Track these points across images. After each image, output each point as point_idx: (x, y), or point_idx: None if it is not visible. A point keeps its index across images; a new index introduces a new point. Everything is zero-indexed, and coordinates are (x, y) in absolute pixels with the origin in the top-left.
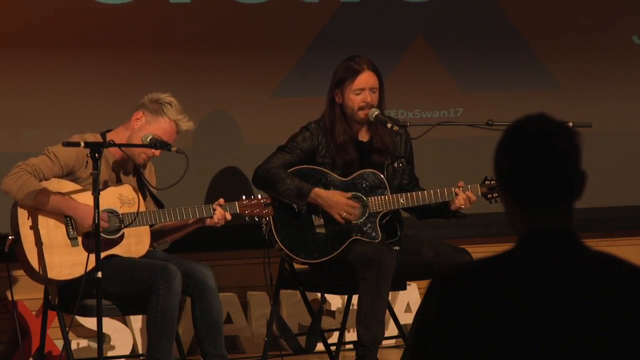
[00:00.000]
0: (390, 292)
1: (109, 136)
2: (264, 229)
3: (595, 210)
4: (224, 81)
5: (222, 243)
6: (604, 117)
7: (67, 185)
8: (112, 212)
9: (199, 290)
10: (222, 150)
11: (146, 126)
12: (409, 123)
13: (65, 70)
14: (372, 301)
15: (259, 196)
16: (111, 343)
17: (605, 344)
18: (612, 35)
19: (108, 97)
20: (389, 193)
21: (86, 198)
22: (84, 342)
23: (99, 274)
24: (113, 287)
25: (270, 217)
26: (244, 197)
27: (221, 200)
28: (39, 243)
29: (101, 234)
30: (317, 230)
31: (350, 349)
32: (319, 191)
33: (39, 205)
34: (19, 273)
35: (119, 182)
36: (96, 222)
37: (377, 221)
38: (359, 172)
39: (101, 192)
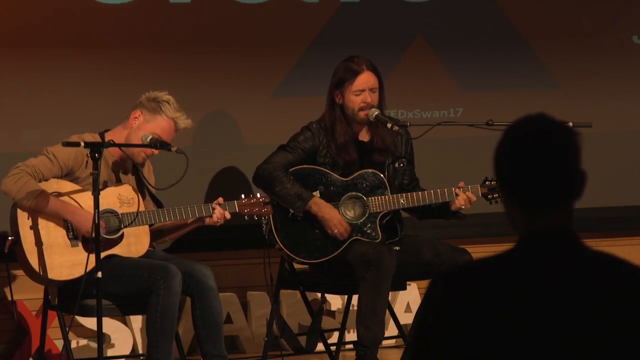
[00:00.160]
0: (390, 292)
1: (108, 136)
2: (264, 229)
3: (595, 210)
4: (224, 81)
5: (222, 243)
6: (604, 117)
7: (67, 186)
8: (111, 212)
9: (199, 290)
10: (222, 150)
11: (144, 125)
12: (409, 123)
13: (65, 70)
14: (372, 301)
15: (258, 195)
16: (111, 342)
17: (605, 344)
18: (612, 35)
19: (108, 97)
20: (390, 193)
21: (86, 198)
22: (84, 342)
23: (99, 274)
24: (113, 287)
25: (271, 217)
26: (243, 195)
27: (220, 200)
28: (39, 243)
29: (101, 234)
30: (317, 230)
31: (350, 349)
32: (318, 201)
33: (38, 207)
34: (19, 273)
35: (118, 182)
36: (96, 222)
37: (377, 221)
38: (360, 172)
39: (100, 192)
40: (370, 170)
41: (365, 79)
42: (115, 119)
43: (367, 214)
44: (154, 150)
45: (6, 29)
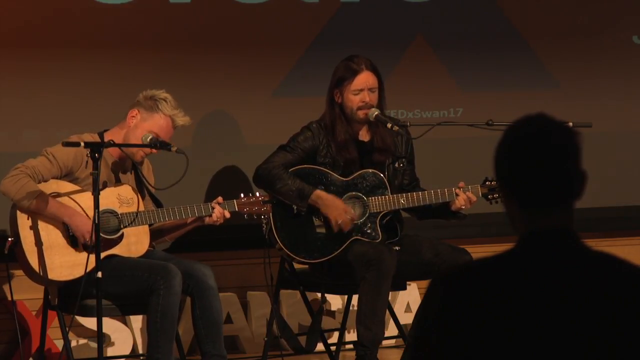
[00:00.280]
0: (390, 292)
1: (107, 136)
2: (264, 229)
3: (595, 210)
4: (223, 81)
5: (222, 243)
6: (604, 117)
7: (66, 186)
8: (111, 212)
9: (199, 290)
10: (222, 150)
11: (142, 123)
12: (409, 123)
13: (65, 70)
14: (372, 301)
15: (257, 194)
16: (111, 342)
17: (605, 344)
18: (612, 35)
19: (108, 97)
20: (390, 193)
21: (85, 198)
22: (84, 342)
23: (99, 274)
24: (113, 287)
25: (271, 216)
26: (242, 194)
27: (220, 199)
28: (39, 244)
29: (101, 234)
30: (318, 230)
31: (350, 349)
32: (320, 193)
33: (36, 209)
34: (19, 273)
35: (117, 182)
36: (96, 222)
37: (378, 221)
38: (360, 172)
39: (100, 192)
40: (370, 170)
41: (365, 79)
42: (115, 119)
43: (367, 214)
44: (152, 149)
45: (6, 29)
